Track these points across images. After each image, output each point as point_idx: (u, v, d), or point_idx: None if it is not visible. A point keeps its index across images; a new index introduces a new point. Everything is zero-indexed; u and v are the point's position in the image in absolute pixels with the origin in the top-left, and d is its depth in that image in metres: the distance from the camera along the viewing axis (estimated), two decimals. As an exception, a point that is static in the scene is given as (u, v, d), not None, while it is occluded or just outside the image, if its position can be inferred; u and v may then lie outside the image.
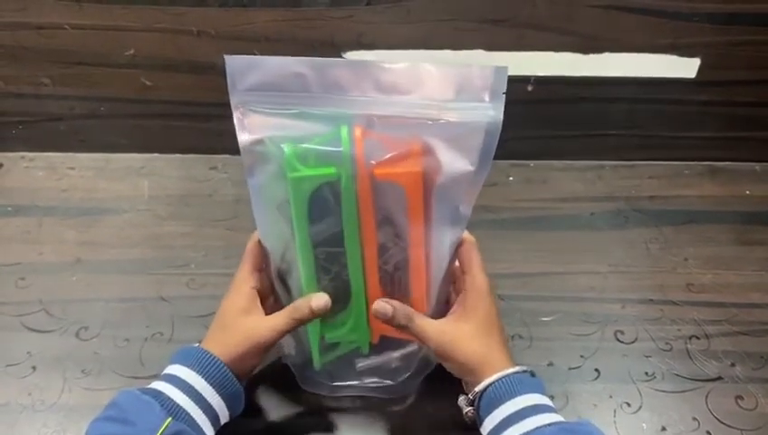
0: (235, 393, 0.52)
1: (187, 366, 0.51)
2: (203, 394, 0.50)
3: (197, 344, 0.53)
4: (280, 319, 0.53)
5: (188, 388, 0.50)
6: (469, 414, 0.52)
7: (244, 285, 0.55)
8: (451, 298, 0.57)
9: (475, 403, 0.51)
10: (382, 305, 0.53)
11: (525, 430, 0.48)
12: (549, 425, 0.48)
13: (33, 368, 0.62)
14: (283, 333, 0.53)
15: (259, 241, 0.56)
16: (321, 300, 0.53)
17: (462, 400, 0.53)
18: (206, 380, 0.51)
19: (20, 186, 0.83)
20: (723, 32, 0.77)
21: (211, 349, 0.52)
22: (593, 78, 0.79)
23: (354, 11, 0.74)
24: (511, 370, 0.51)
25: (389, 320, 0.53)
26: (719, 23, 0.76)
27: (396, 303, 0.53)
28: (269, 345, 0.54)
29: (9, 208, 0.80)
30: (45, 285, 0.70)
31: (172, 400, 0.49)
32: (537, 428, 0.48)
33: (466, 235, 0.54)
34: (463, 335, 0.52)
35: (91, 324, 0.66)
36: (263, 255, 0.56)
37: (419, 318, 0.53)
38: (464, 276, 0.55)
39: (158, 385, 0.50)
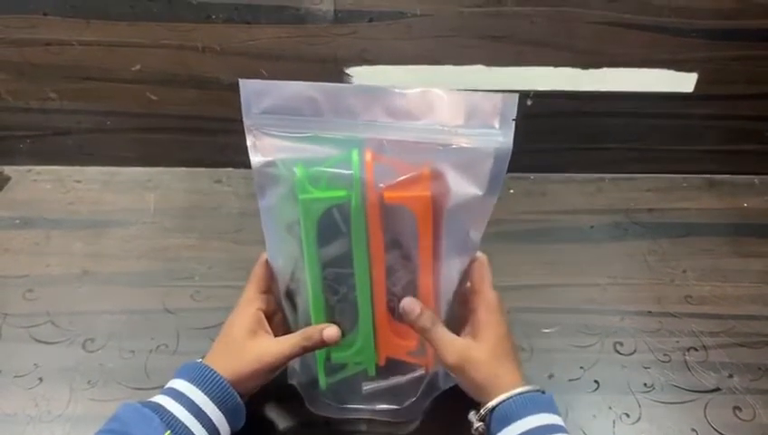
0: (235, 408, 0.53)
1: (188, 380, 0.52)
2: (202, 408, 0.51)
3: (200, 360, 0.54)
4: (288, 345, 0.54)
5: (187, 401, 0.51)
6: (480, 430, 0.52)
7: (251, 306, 0.56)
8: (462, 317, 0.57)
9: (486, 420, 0.51)
10: (410, 303, 0.53)
11: None
12: None
13: (40, 379, 0.63)
14: (290, 359, 0.54)
15: (266, 262, 0.56)
16: (332, 331, 0.53)
17: (472, 414, 0.53)
18: (205, 394, 0.51)
19: (28, 199, 0.84)
20: (720, 47, 0.78)
21: (214, 366, 0.53)
22: (592, 93, 0.81)
23: (357, 27, 0.76)
24: (522, 389, 0.51)
25: (414, 319, 0.52)
26: (716, 38, 0.77)
27: (423, 305, 0.53)
28: (275, 369, 0.54)
29: (17, 221, 0.81)
30: (52, 297, 0.71)
31: (171, 413, 0.49)
32: None
33: (478, 253, 0.54)
34: (476, 356, 0.52)
35: (97, 336, 0.67)
36: (269, 276, 0.57)
37: (442, 327, 0.53)
38: (473, 296, 0.55)
39: (159, 399, 0.51)
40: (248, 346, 0.54)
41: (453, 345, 0.53)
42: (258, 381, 0.55)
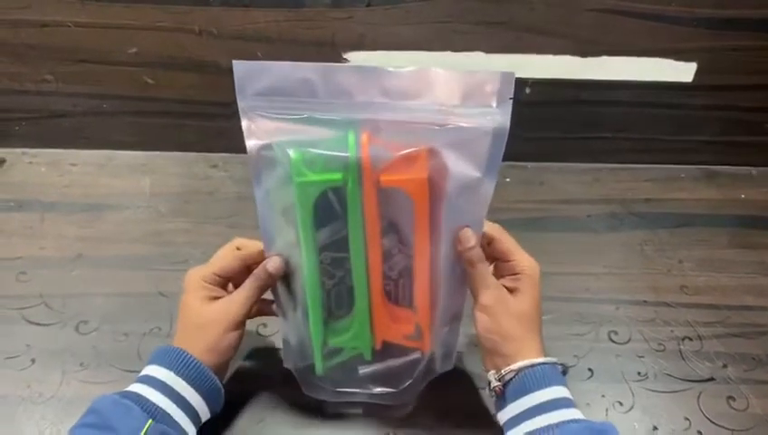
0: (213, 389, 0.53)
1: (164, 366, 0.52)
2: (181, 393, 0.51)
3: (172, 345, 0.54)
4: (243, 294, 0.54)
5: (166, 388, 0.50)
6: (497, 390, 0.51)
7: (196, 278, 0.56)
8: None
9: (504, 381, 0.51)
10: (468, 233, 0.51)
11: (551, 422, 0.48)
12: (574, 421, 0.48)
13: (33, 360, 0.63)
14: (251, 302, 0.54)
15: (236, 248, 0.57)
16: (276, 260, 0.53)
17: (492, 373, 0.52)
18: (183, 378, 0.51)
19: (23, 181, 0.84)
20: (720, 37, 0.77)
21: (186, 348, 0.52)
22: (591, 81, 0.80)
23: (355, 12, 0.75)
24: (544, 359, 0.51)
25: (466, 249, 0.51)
26: (716, 28, 0.77)
27: (478, 240, 0.52)
28: (242, 322, 0.54)
29: (12, 204, 0.81)
30: (46, 280, 0.71)
31: (151, 401, 0.49)
32: (563, 422, 0.48)
33: (490, 225, 0.54)
34: (514, 309, 0.52)
35: (90, 318, 0.67)
36: (232, 262, 0.57)
37: (487, 266, 0.52)
38: (508, 263, 0.54)
39: (136, 387, 0.51)
40: (205, 313, 0.54)
41: (494, 286, 0.52)
42: (230, 341, 0.54)
